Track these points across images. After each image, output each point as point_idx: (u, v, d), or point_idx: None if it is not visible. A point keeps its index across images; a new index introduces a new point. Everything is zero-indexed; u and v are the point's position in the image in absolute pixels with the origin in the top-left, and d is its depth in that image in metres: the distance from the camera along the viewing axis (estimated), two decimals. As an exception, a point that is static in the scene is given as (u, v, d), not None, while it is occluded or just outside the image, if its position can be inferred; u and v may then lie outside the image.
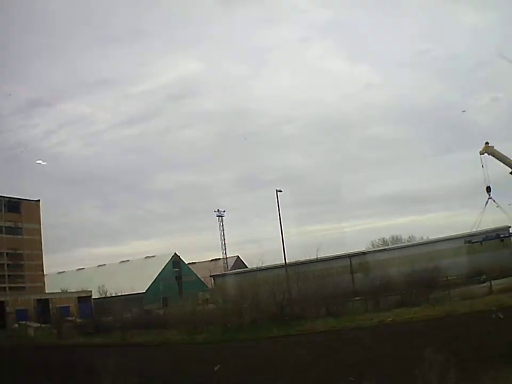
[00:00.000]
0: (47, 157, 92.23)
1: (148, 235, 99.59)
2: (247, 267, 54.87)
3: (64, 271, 66.49)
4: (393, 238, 58.40)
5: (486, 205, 33.95)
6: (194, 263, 66.98)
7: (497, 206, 33.52)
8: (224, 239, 61.82)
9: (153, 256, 63.73)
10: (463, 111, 71.42)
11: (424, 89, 79.48)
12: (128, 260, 65.78)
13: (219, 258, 64.34)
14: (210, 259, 67.35)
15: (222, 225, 61.04)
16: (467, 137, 73.62)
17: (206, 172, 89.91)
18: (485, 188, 34.24)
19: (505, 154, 35.15)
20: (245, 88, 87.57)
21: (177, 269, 62.01)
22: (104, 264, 66.59)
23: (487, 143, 34.89)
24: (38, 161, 64.67)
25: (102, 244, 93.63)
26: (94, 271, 64.51)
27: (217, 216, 60.37)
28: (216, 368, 13.65)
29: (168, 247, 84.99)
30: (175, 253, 62.94)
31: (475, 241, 35.25)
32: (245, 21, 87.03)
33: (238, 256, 67.87)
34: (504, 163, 34.58)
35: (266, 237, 77.99)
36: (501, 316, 15.61)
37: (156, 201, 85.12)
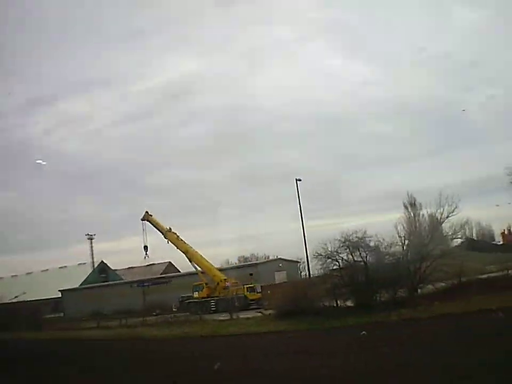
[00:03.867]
0: (47, 155, 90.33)
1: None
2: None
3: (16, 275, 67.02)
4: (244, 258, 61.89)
5: (145, 257, 40.14)
6: (133, 267, 65.69)
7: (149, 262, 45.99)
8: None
9: (84, 263, 66.03)
10: (463, 110, 67.02)
11: (421, 87, 77.66)
12: (65, 266, 67.10)
13: (153, 264, 59.67)
14: (146, 264, 56.60)
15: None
16: (464, 135, 73.82)
17: (204, 169, 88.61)
18: (143, 246, 39.20)
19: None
20: (242, 86, 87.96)
21: (103, 275, 63.29)
22: (47, 269, 67.17)
23: (147, 212, 39.38)
24: (38, 161, 64.46)
25: (102, 239, 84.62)
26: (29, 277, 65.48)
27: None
28: (216, 367, 13.51)
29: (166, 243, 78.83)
30: (102, 261, 64.81)
31: (145, 285, 46.97)
32: (242, 20, 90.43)
33: (169, 262, 64.47)
34: (158, 230, 39.17)
35: (264, 233, 75.44)
36: None
37: (155, 198, 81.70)
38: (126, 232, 78.00)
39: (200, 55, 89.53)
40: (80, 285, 58.51)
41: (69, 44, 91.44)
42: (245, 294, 35.07)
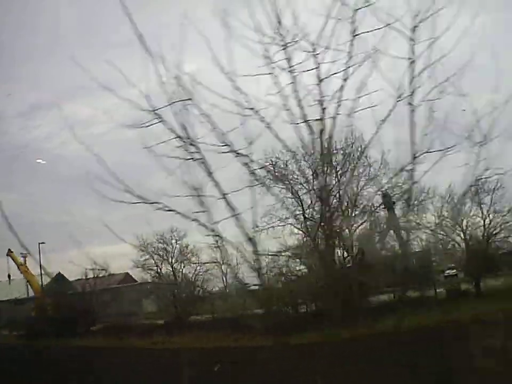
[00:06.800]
0: (48, 158, 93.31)
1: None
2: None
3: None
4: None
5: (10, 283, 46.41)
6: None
7: None
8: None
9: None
10: (463, 110, 76.96)
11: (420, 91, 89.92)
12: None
13: (113, 274, 54.54)
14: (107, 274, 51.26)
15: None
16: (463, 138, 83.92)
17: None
18: (7, 275, 46.74)
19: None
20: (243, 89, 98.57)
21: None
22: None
23: (9, 249, 43.66)
24: (38, 161, 61.28)
25: (103, 242, 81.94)
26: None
27: None
28: (216, 368, 13.95)
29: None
30: (59, 272, 63.84)
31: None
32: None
33: (127, 273, 61.66)
34: (15, 263, 44.75)
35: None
36: None
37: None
38: (125, 236, 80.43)
39: (200, 59, 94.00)
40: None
41: (70, 48, 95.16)
42: None
